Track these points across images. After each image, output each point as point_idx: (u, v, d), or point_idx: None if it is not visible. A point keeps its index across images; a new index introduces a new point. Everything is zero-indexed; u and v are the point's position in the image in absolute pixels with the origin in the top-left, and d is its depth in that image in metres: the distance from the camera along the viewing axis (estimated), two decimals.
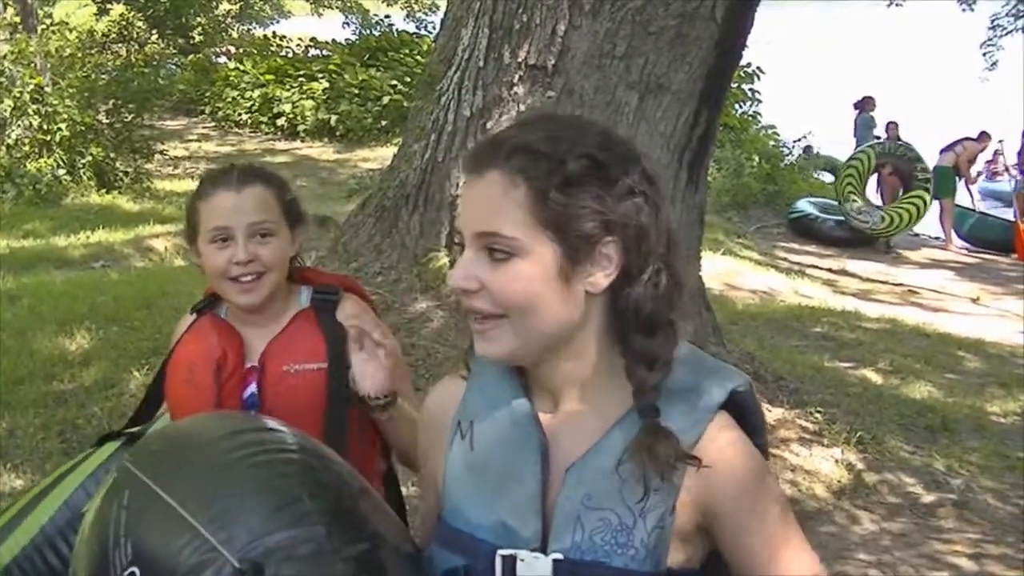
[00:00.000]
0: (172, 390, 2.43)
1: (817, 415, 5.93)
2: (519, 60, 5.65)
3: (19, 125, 14.60)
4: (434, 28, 23.15)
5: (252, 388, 2.36)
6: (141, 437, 2.44)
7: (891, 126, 17.32)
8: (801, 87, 31.19)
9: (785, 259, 14.54)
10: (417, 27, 25.96)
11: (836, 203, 16.50)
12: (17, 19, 15.57)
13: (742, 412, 1.61)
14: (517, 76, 5.66)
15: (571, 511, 1.52)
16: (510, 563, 1.53)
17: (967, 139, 17.07)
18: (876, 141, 16.86)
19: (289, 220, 2.42)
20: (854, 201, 15.53)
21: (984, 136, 17.34)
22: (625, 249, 1.52)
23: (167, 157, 17.49)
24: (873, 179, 16.46)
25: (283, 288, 2.44)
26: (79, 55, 16.72)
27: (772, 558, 1.54)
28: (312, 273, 2.58)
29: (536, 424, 1.58)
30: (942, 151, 16.83)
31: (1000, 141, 18.20)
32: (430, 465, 1.75)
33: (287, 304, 2.45)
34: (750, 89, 19.63)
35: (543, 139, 1.52)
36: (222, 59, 25.52)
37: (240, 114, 21.35)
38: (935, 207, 16.24)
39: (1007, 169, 18.63)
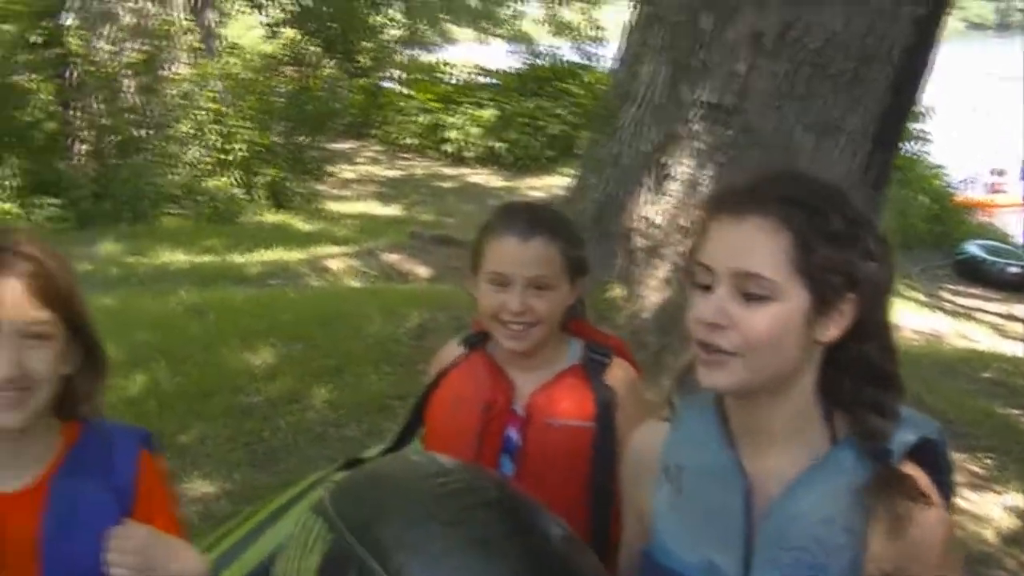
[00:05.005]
0: (434, 421, 2.48)
1: (987, 461, 5.85)
2: (697, 98, 5.74)
3: (199, 144, 15.21)
4: (600, 60, 23.26)
5: (512, 432, 2.39)
6: None
7: None
8: (980, 123, 30.47)
9: (951, 301, 14.25)
10: (583, 58, 26.05)
11: (1004, 246, 16.05)
12: (199, 45, 16.19)
13: (932, 460, 1.70)
14: (696, 114, 5.73)
15: (769, 550, 1.63)
16: None
17: None
18: None
19: (570, 274, 2.41)
20: None
21: None
22: (862, 307, 1.63)
23: (338, 179, 17.93)
24: None
25: (555, 337, 2.46)
26: (257, 78, 17.31)
27: None
28: (584, 326, 2.56)
29: (740, 470, 1.69)
30: None
31: None
32: (634, 500, 1.89)
33: (557, 353, 2.46)
34: (919, 129, 19.23)
35: (809, 193, 1.64)
36: (388, 84, 26.03)
37: (407, 138, 21.71)
38: None
39: None
